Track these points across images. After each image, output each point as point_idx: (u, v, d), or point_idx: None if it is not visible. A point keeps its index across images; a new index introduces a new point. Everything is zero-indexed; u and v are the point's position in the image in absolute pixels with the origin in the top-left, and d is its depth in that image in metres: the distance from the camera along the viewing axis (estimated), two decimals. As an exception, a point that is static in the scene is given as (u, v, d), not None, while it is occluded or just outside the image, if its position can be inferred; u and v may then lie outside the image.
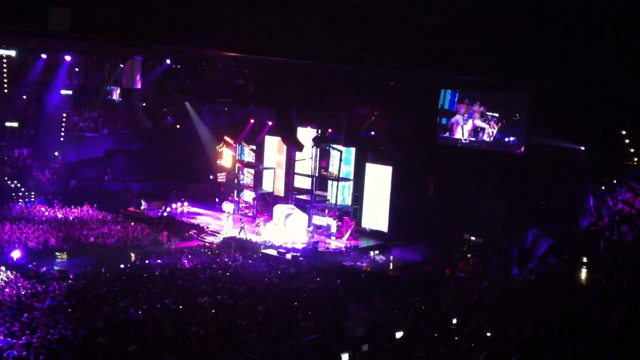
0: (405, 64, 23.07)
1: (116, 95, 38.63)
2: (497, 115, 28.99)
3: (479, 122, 29.48)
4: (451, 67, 23.51)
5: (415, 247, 29.23)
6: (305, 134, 33.96)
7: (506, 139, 28.72)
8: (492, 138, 29.07)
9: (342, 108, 32.87)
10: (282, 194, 36.77)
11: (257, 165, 36.95)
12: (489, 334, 12.41)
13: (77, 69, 34.65)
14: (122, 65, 32.70)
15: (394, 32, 21.67)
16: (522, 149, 28.37)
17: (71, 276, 23.81)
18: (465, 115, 29.98)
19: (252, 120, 38.09)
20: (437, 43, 21.61)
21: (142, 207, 36.43)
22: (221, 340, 16.26)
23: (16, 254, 25.66)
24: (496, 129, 28.88)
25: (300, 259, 27.32)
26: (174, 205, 36.93)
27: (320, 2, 20.89)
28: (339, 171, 32.30)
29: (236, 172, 37.98)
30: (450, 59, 22.46)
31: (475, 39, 21.36)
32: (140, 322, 17.59)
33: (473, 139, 29.77)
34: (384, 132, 33.71)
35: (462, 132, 30.17)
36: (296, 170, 35.37)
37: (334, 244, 30.95)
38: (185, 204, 37.50)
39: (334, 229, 31.96)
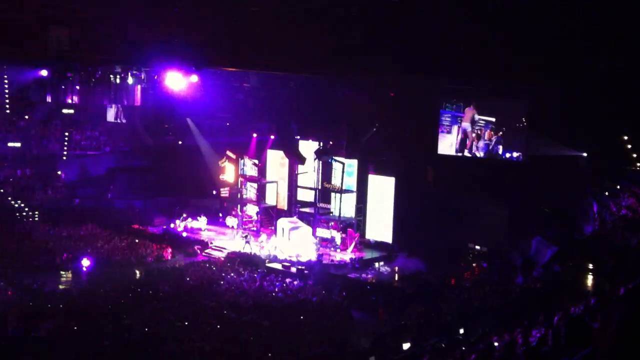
0: (403, 68, 23.17)
1: (110, 114, 38.47)
2: (493, 119, 28.92)
3: (476, 132, 29.41)
4: (448, 72, 23.61)
5: (419, 257, 29.11)
6: (307, 147, 33.98)
7: (507, 155, 28.54)
8: (490, 149, 28.88)
9: (343, 120, 32.90)
10: (285, 208, 36.75)
11: (260, 179, 36.93)
12: (496, 344, 12.35)
13: (77, 87, 34.68)
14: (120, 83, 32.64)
15: (390, 37, 21.77)
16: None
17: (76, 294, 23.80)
18: (463, 125, 29.93)
19: (255, 135, 38.16)
20: (434, 49, 21.71)
21: (180, 223, 36.27)
22: (226, 356, 16.22)
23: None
24: (494, 140, 28.72)
25: (305, 272, 27.24)
26: (177, 221, 36.88)
27: (318, 13, 21.03)
28: (341, 183, 32.26)
29: (239, 186, 37.97)
30: (447, 64, 22.57)
31: (472, 45, 21.46)
32: (145, 339, 17.56)
33: (469, 155, 29.72)
34: (386, 143, 33.67)
35: (457, 143, 30.11)
36: (299, 183, 35.37)
37: (339, 256, 30.85)
38: (189, 219, 37.45)
39: (338, 241, 31.87)
